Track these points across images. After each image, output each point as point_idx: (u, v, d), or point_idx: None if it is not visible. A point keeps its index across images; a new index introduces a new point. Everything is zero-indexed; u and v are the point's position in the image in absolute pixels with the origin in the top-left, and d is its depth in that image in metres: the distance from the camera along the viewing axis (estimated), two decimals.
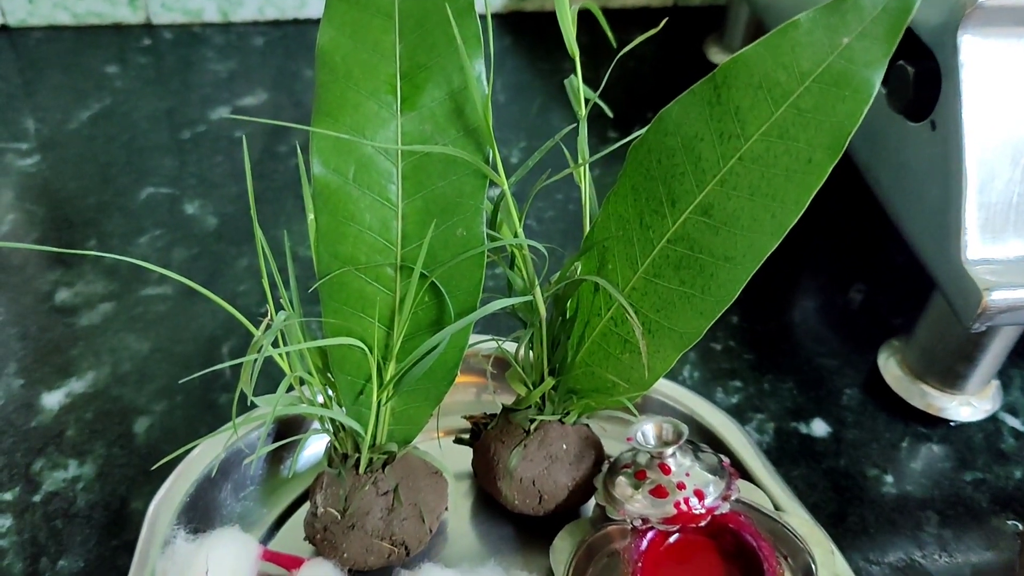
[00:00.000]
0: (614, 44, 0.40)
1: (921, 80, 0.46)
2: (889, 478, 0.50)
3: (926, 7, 0.45)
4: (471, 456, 0.47)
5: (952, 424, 0.53)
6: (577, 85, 0.38)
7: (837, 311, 0.60)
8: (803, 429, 0.52)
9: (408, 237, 0.37)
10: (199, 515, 0.43)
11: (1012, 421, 0.53)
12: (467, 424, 0.48)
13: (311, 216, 0.38)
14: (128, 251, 0.60)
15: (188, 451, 0.41)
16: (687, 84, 0.35)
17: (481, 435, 0.46)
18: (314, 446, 0.47)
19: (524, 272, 0.40)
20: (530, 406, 0.44)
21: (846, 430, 0.52)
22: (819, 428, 0.52)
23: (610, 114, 0.41)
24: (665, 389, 0.49)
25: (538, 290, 0.41)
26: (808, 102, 0.32)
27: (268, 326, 0.36)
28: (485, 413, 0.48)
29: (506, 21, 0.85)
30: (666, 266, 0.37)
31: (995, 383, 0.54)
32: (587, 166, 0.40)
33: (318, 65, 0.36)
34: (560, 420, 0.44)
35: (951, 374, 0.52)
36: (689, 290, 0.37)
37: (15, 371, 0.53)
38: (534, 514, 0.44)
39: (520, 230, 0.39)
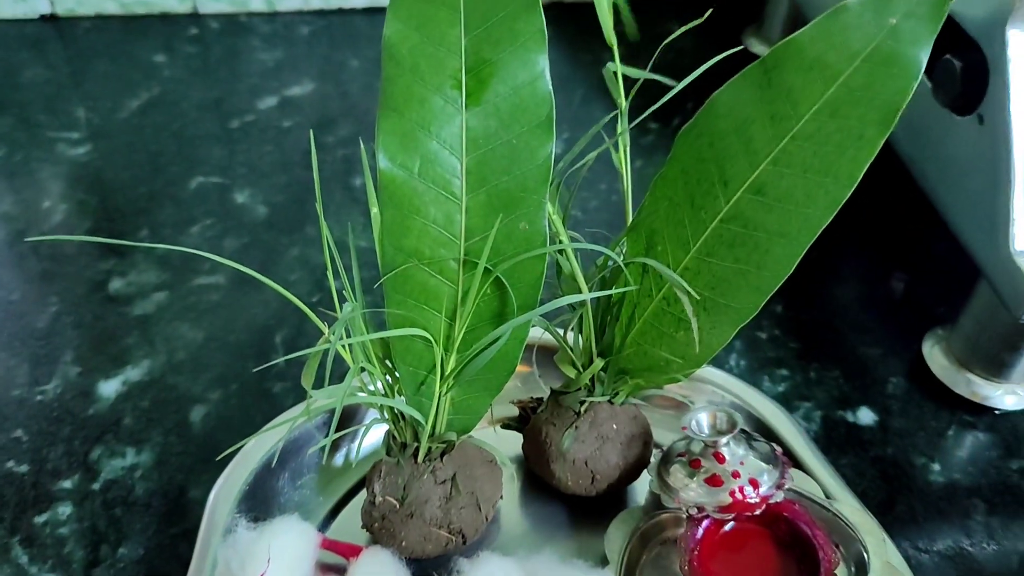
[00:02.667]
0: (636, 35, 0.41)
1: (968, 74, 0.46)
2: (936, 466, 0.50)
3: (974, 1, 0.45)
4: (519, 442, 0.48)
5: (997, 412, 0.53)
6: (616, 74, 0.39)
7: (880, 300, 0.61)
8: (850, 418, 0.52)
9: (471, 231, 0.38)
10: (258, 504, 0.44)
11: None
12: (515, 410, 0.49)
13: (375, 210, 0.38)
14: (179, 240, 0.61)
15: (248, 441, 0.42)
16: (727, 75, 0.36)
17: (530, 420, 0.47)
18: (370, 436, 0.48)
19: (570, 260, 0.41)
20: (580, 388, 0.44)
21: (892, 419, 0.52)
22: (866, 417, 0.53)
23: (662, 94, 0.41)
24: (714, 377, 0.50)
25: (580, 275, 0.41)
26: (858, 81, 0.33)
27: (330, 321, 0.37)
28: (532, 398, 0.49)
29: (546, 12, 0.84)
30: (719, 245, 0.38)
31: None
32: (627, 154, 0.40)
33: (385, 57, 0.37)
34: (609, 401, 0.44)
35: (996, 363, 0.52)
36: (744, 267, 0.37)
37: (72, 359, 0.54)
38: (586, 495, 0.45)
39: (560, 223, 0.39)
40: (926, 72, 0.49)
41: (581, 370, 0.44)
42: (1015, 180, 0.44)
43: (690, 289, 0.38)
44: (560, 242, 0.41)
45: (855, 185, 0.34)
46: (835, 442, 0.51)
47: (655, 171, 0.39)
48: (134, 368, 0.53)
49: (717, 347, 0.40)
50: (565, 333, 0.44)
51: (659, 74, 0.39)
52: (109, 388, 0.52)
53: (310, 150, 0.68)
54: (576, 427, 0.44)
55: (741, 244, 0.37)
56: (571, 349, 0.44)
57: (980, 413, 0.53)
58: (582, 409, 0.44)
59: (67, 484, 0.47)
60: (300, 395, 0.51)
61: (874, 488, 0.49)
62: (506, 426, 0.48)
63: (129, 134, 0.71)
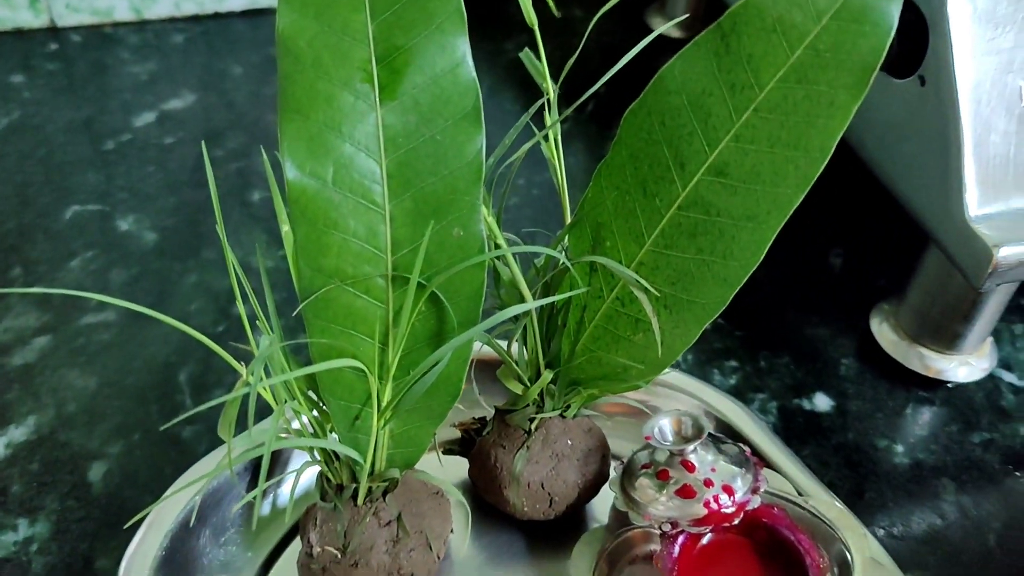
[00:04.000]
0: (557, 12, 0.37)
1: (906, 34, 0.44)
2: (899, 448, 0.48)
3: None
4: (463, 465, 0.43)
5: (951, 386, 0.51)
6: (540, 58, 0.35)
7: (820, 279, 0.58)
8: (806, 405, 0.50)
9: (399, 243, 0.34)
10: (177, 569, 0.39)
11: (1009, 377, 0.52)
12: (455, 433, 0.45)
13: (285, 228, 0.33)
14: (58, 278, 0.55)
15: (165, 499, 0.37)
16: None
17: (474, 443, 0.43)
18: (289, 479, 0.43)
19: (511, 266, 0.37)
20: (528, 404, 0.40)
21: (849, 402, 0.50)
22: (822, 402, 0.50)
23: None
24: (667, 378, 0.46)
25: (523, 282, 0.37)
26: (827, 41, 0.30)
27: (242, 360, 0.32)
28: (474, 419, 0.45)
29: None
30: (679, 235, 0.34)
31: (990, 340, 0.52)
32: (559, 145, 0.37)
33: (280, 53, 0.32)
34: (561, 415, 0.41)
35: (948, 335, 0.50)
36: (709, 257, 0.34)
37: None
38: (544, 518, 0.41)
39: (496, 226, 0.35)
40: None
41: (528, 384, 0.40)
42: (964, 143, 0.42)
43: (648, 286, 0.35)
44: (497, 247, 0.37)
45: (828, 157, 0.31)
46: (795, 432, 0.48)
47: (575, 161, 0.36)
48: (17, 427, 0.47)
49: (681, 348, 0.36)
50: (509, 346, 0.40)
51: (565, 58, 0.36)
52: None
53: (198, 167, 0.63)
54: (528, 447, 0.40)
55: (704, 232, 0.33)
56: (516, 363, 0.40)
57: (934, 388, 0.51)
58: (532, 427, 0.40)
59: None
60: (214, 439, 0.46)
61: (841, 477, 0.47)
62: (448, 451, 0.44)
63: None
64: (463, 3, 0.33)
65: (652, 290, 0.35)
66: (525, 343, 0.40)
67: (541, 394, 0.40)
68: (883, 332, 0.53)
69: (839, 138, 0.30)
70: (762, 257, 0.33)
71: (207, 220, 0.58)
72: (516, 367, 0.40)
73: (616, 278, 0.36)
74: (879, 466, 0.47)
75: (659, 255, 0.35)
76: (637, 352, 0.37)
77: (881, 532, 0.44)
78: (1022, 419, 0.50)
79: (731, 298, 0.34)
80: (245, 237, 0.58)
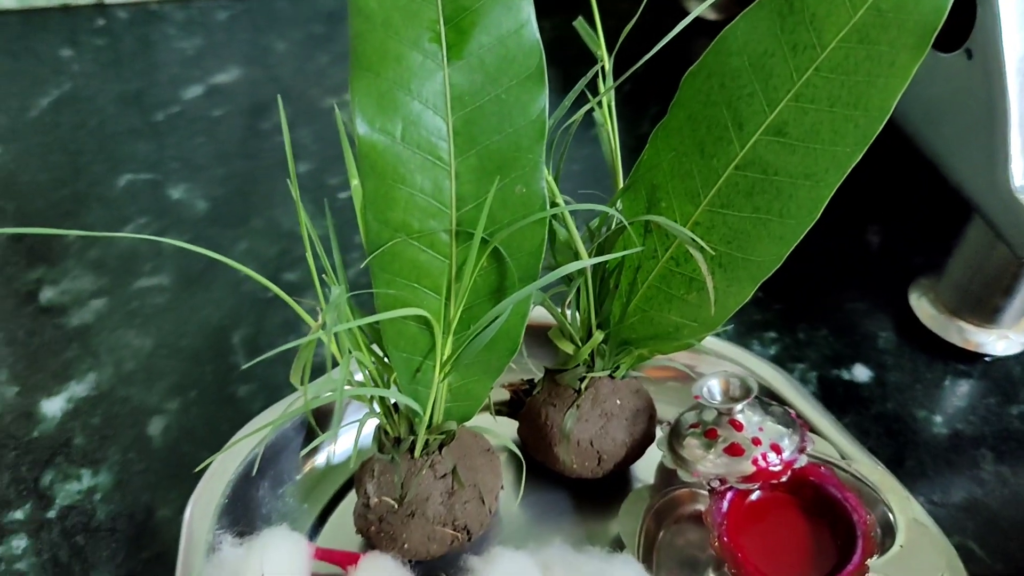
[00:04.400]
0: None
1: (952, 8, 0.45)
2: (938, 419, 0.49)
3: None
4: (512, 426, 0.45)
5: (989, 359, 0.52)
6: (595, 27, 0.36)
7: (858, 253, 0.59)
8: (846, 376, 0.51)
9: (463, 199, 0.35)
10: (239, 517, 0.40)
11: None
12: (504, 395, 0.46)
13: (355, 181, 0.35)
14: (113, 243, 0.56)
15: (229, 448, 0.38)
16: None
17: (523, 404, 0.44)
18: (346, 432, 0.44)
19: (568, 225, 0.38)
20: (578, 364, 0.41)
21: (888, 373, 0.51)
22: (861, 373, 0.51)
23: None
24: (711, 345, 0.47)
25: (579, 241, 0.38)
26: (889, 1, 0.31)
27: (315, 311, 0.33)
28: (523, 380, 0.46)
29: None
30: (735, 194, 0.35)
31: None
32: (613, 110, 0.38)
33: (352, 12, 0.33)
34: (610, 376, 0.42)
35: (988, 308, 0.51)
36: (765, 216, 0.35)
37: (7, 379, 0.49)
38: (592, 476, 0.42)
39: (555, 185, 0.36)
40: None
41: (580, 344, 0.41)
42: (1011, 115, 0.42)
43: (704, 244, 0.35)
44: (555, 206, 0.38)
45: (887, 116, 0.31)
46: (835, 402, 0.49)
47: (632, 135, 0.37)
48: (79, 383, 0.48)
49: (734, 307, 0.37)
50: (562, 307, 0.41)
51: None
52: (53, 406, 0.47)
53: (246, 139, 0.64)
54: (578, 406, 0.41)
55: (761, 192, 0.34)
56: (568, 323, 0.41)
57: (973, 361, 0.52)
58: (583, 386, 0.41)
59: (18, 515, 0.42)
60: (268, 398, 0.47)
61: (881, 445, 0.47)
62: (498, 412, 0.45)
63: (42, 134, 0.65)
64: None
65: (708, 249, 0.36)
66: (578, 306, 0.41)
67: (592, 354, 0.41)
68: (922, 306, 0.53)
69: (899, 97, 0.31)
70: (819, 215, 0.34)
71: (256, 189, 0.60)
72: (568, 327, 0.41)
73: (671, 238, 0.37)
74: (918, 435, 0.48)
75: (715, 214, 0.36)
76: (690, 311, 0.38)
77: (921, 499, 0.45)
78: None
79: (786, 255, 0.35)
80: (292, 207, 0.59)
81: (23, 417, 0.47)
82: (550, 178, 0.37)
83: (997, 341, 0.51)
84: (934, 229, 0.59)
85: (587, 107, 0.38)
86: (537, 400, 0.43)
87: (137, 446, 0.45)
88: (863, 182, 0.63)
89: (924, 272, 0.55)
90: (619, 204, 0.39)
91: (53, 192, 0.60)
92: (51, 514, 0.43)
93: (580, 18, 0.39)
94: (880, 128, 0.32)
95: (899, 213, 0.62)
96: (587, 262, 0.37)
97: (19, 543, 0.41)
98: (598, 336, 0.40)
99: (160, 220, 0.58)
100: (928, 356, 0.52)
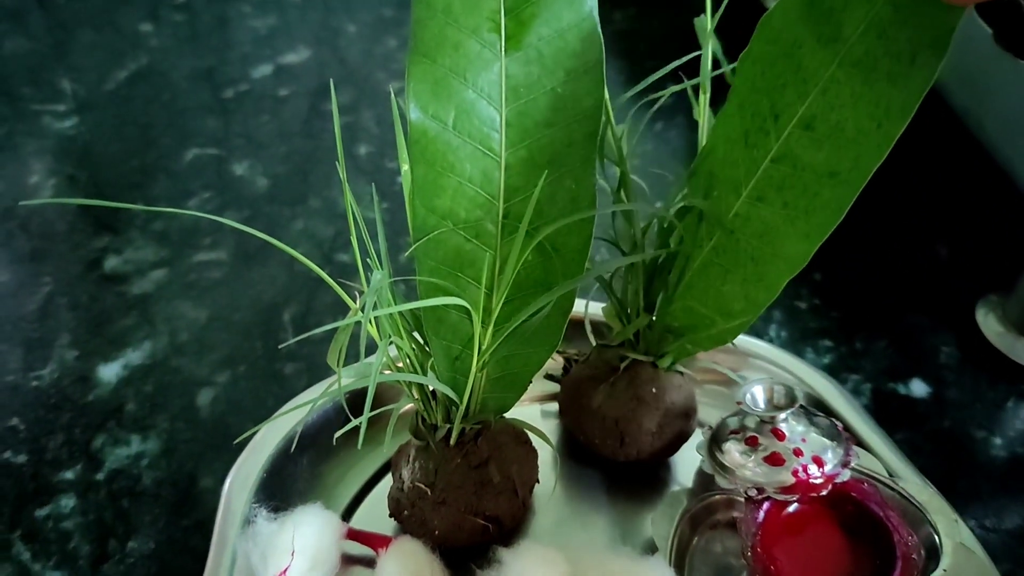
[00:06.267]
0: None
1: None
2: (998, 440, 0.47)
3: None
4: (553, 422, 0.45)
5: None
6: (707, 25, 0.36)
7: (925, 266, 0.57)
8: (902, 390, 0.49)
9: (512, 191, 0.34)
10: (276, 492, 0.41)
11: None
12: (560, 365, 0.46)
13: (405, 167, 0.35)
14: (176, 216, 0.57)
15: (265, 424, 0.39)
16: (746, 30, 0.33)
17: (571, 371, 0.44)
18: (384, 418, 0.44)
19: (631, 221, 0.38)
20: (623, 343, 0.41)
21: (947, 389, 0.49)
22: (919, 388, 0.49)
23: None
24: (760, 350, 0.46)
25: (639, 230, 0.38)
26: None
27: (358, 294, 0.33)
28: (579, 351, 0.46)
29: None
30: (769, 188, 0.34)
31: None
32: (707, 99, 0.38)
33: None
34: (653, 363, 0.41)
35: None
36: (793, 212, 0.34)
37: (68, 343, 0.50)
38: (614, 457, 0.42)
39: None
40: (984, 16, 0.46)
41: (626, 323, 0.40)
42: None
43: (737, 234, 0.35)
44: (622, 192, 0.37)
45: (910, 116, 0.30)
46: (888, 416, 0.48)
47: (677, 134, 0.36)
48: (135, 351, 0.50)
49: (765, 302, 0.36)
50: (611, 281, 0.40)
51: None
52: (109, 372, 0.49)
53: (309, 119, 0.65)
54: (612, 383, 0.41)
55: (790, 187, 0.33)
56: (619, 301, 0.40)
57: None
58: (622, 365, 0.41)
59: (69, 475, 0.44)
60: (313, 376, 0.48)
61: (932, 464, 0.46)
62: (549, 377, 0.45)
63: (117, 106, 0.66)
64: None
65: (742, 240, 0.35)
66: (630, 283, 0.40)
67: (637, 337, 0.41)
68: (989, 323, 0.51)
69: (922, 97, 0.29)
70: (842, 216, 0.33)
71: (316, 169, 0.60)
72: (617, 303, 0.40)
73: (717, 228, 0.36)
74: (975, 456, 0.46)
75: (752, 206, 0.35)
76: (725, 303, 0.37)
77: (972, 523, 0.43)
78: None
79: (812, 255, 0.34)
80: (350, 188, 0.59)
81: (80, 381, 0.48)
82: (623, 167, 0.37)
83: None
84: (1007, 245, 0.57)
85: (676, 88, 0.38)
86: (581, 369, 0.43)
87: (185, 416, 0.46)
88: (935, 194, 0.62)
89: (994, 289, 0.53)
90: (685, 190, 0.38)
91: (123, 163, 0.61)
92: (99, 476, 0.44)
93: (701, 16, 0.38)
94: (903, 128, 0.30)
95: (971, 228, 0.60)
96: (638, 256, 0.36)
97: (68, 502, 0.43)
98: (644, 318, 0.40)
99: (222, 195, 0.59)
100: (992, 375, 0.50)
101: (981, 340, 0.51)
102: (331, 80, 0.36)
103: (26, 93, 0.67)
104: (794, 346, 0.51)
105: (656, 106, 0.39)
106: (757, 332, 0.52)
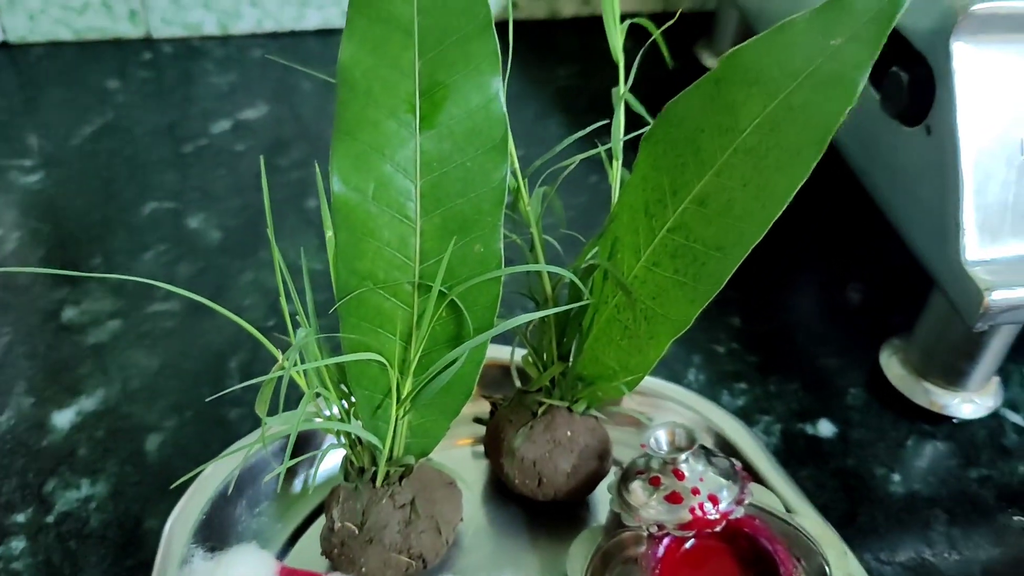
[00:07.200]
0: (672, 63, 0.42)
1: (915, 86, 0.47)
2: (897, 477, 0.50)
3: (918, 15, 0.46)
4: (480, 463, 0.48)
5: (956, 421, 0.53)
6: (620, 93, 0.40)
7: (837, 311, 0.61)
8: (810, 430, 0.53)
9: (426, 253, 0.38)
10: (215, 533, 0.43)
11: (1014, 417, 0.54)
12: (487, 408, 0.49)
13: (329, 233, 0.38)
14: (134, 267, 0.60)
15: (204, 469, 0.42)
16: (681, 87, 0.36)
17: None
18: (326, 461, 0.47)
19: (543, 281, 0.42)
20: (540, 389, 0.45)
21: (852, 430, 0.53)
22: (825, 428, 0.53)
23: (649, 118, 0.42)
24: (674, 393, 0.50)
25: (546, 276, 0.42)
26: (799, 99, 0.33)
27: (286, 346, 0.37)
28: (503, 396, 0.49)
29: (498, 29, 0.85)
30: (664, 255, 0.38)
31: (996, 380, 0.55)
32: (620, 163, 0.41)
33: (339, 82, 0.37)
34: (569, 408, 0.44)
35: (953, 372, 0.52)
36: (682, 278, 0.38)
37: (24, 390, 0.53)
38: (533, 496, 0.45)
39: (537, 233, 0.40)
40: (874, 84, 0.50)
41: (542, 371, 0.44)
42: (963, 190, 0.44)
43: (635, 295, 0.39)
44: (533, 250, 0.42)
45: (786, 204, 0.34)
46: (796, 455, 0.51)
47: (606, 187, 0.40)
48: (88, 398, 0.52)
49: (654, 358, 0.40)
50: (528, 332, 0.44)
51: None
52: (63, 419, 0.51)
53: (263, 173, 0.68)
54: (531, 427, 0.44)
55: (681, 255, 0.37)
56: (535, 350, 0.44)
57: (939, 422, 0.53)
58: (539, 410, 0.44)
59: (20, 518, 0.46)
60: (256, 421, 0.50)
61: (835, 500, 0.49)
62: (477, 420, 0.49)
63: (83, 161, 0.70)
64: (498, 46, 0.37)
65: (636, 298, 0.39)
66: (545, 333, 0.44)
67: (553, 383, 0.44)
68: (891, 366, 0.55)
69: (799, 186, 0.33)
70: (723, 284, 0.36)
71: (266, 222, 0.63)
72: (535, 354, 0.44)
73: (617, 287, 0.40)
74: (874, 492, 0.50)
75: (648, 270, 0.39)
76: (623, 356, 0.41)
77: (868, 556, 0.47)
78: (1022, 458, 0.52)
79: (694, 319, 0.38)
80: (300, 239, 0.63)
81: (35, 427, 0.51)
82: (535, 230, 0.41)
83: (963, 404, 0.53)
84: (913, 290, 0.61)
85: (591, 153, 0.41)
86: (502, 413, 0.46)
87: (133, 460, 0.49)
88: (846, 245, 0.66)
89: (899, 332, 0.57)
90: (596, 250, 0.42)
91: (85, 216, 0.65)
92: (50, 519, 0.46)
93: (616, 89, 0.42)
94: (780, 212, 0.34)
95: (881, 272, 0.64)
96: (531, 316, 0.40)
97: (18, 544, 0.45)
98: (558, 366, 0.44)
99: (177, 248, 0.62)
100: (894, 415, 0.54)
101: (885, 382, 0.54)
102: (261, 158, 0.39)
103: None
104: (712, 388, 0.55)
105: (566, 172, 0.43)
106: (677, 375, 0.55)
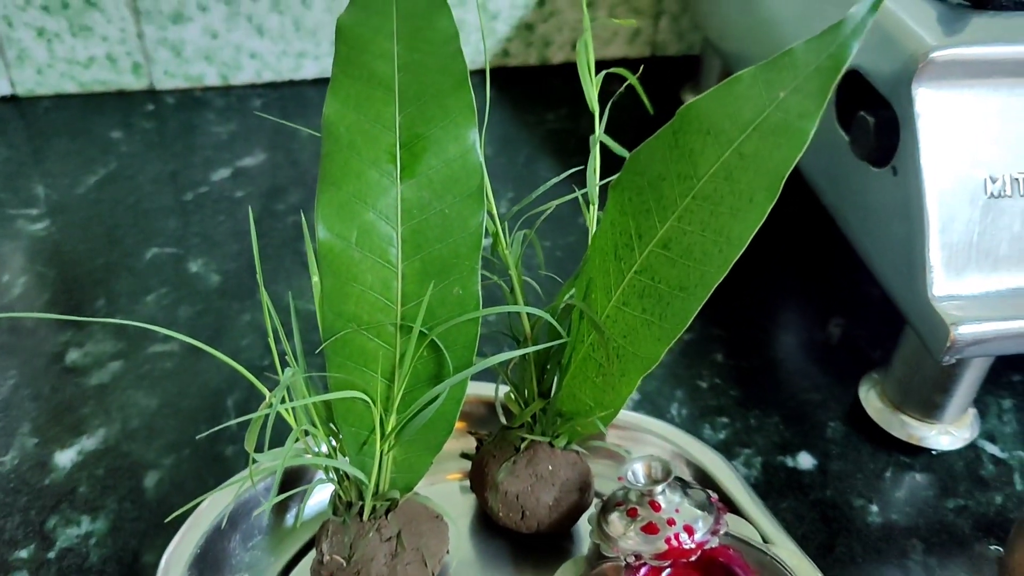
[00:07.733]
0: (651, 109, 0.44)
1: (881, 129, 0.49)
2: (874, 508, 0.52)
3: (882, 61, 0.48)
4: (466, 498, 0.49)
5: (933, 453, 0.55)
6: (596, 139, 0.42)
7: (818, 346, 0.63)
8: (790, 462, 0.54)
9: (408, 296, 0.40)
10: (209, 566, 0.45)
11: (991, 448, 0.55)
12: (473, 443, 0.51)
13: (315, 278, 0.40)
14: (135, 310, 0.63)
15: (198, 504, 0.43)
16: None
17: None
18: (318, 495, 0.49)
19: (523, 321, 0.44)
20: (522, 425, 0.46)
21: (831, 462, 0.54)
22: (805, 461, 0.54)
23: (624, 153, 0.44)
24: (655, 427, 0.51)
25: (524, 315, 0.44)
26: (749, 148, 0.35)
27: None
28: (489, 432, 0.50)
29: (491, 75, 0.88)
30: (632, 295, 0.40)
31: (972, 411, 0.56)
32: (595, 206, 0.43)
33: (324, 135, 0.39)
34: (550, 443, 0.46)
35: (928, 404, 0.54)
36: (650, 317, 0.40)
37: (29, 431, 0.55)
38: (517, 529, 0.46)
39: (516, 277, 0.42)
40: (843, 127, 0.52)
41: (523, 407, 0.46)
42: (928, 228, 0.46)
43: (607, 333, 0.40)
44: (513, 291, 0.44)
45: (745, 245, 0.36)
46: (775, 487, 0.53)
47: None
48: (89, 437, 0.54)
49: (626, 394, 0.42)
50: (509, 369, 0.46)
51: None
52: (65, 458, 0.53)
53: (261, 219, 0.71)
54: (514, 462, 0.46)
55: (648, 295, 0.39)
56: (516, 386, 0.46)
57: (916, 454, 0.55)
58: (522, 446, 0.46)
59: (23, 554, 0.48)
60: (252, 459, 0.52)
61: (814, 531, 0.50)
62: (464, 455, 0.50)
63: (87, 209, 0.72)
64: (474, 99, 0.39)
65: (610, 337, 0.41)
66: (525, 371, 0.46)
67: (535, 419, 0.46)
68: (870, 399, 0.56)
69: (755, 231, 0.35)
70: (688, 323, 0.38)
71: (264, 266, 0.66)
72: (516, 390, 0.46)
73: (591, 326, 0.42)
74: (852, 523, 0.51)
75: (618, 310, 0.41)
76: (598, 393, 0.43)
77: None
78: (999, 488, 0.53)
79: (663, 355, 0.40)
80: (296, 281, 0.65)
81: (38, 466, 0.53)
82: (514, 272, 0.43)
83: (939, 436, 0.54)
84: (891, 324, 0.63)
85: (568, 197, 0.43)
86: (486, 448, 0.48)
87: (132, 497, 0.51)
88: (826, 281, 0.67)
89: (878, 366, 0.58)
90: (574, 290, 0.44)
91: (89, 261, 0.67)
92: (51, 555, 0.48)
93: (595, 135, 0.44)
94: (738, 255, 0.36)
95: (861, 307, 0.65)
96: (525, 350, 0.42)
97: None
98: (539, 403, 0.45)
99: (177, 291, 0.64)
100: (873, 447, 0.55)
101: (864, 415, 0.56)
102: (250, 210, 0.41)
103: (2, 198, 0.73)
104: (694, 422, 0.56)
105: (546, 215, 0.45)
106: (661, 410, 0.57)
